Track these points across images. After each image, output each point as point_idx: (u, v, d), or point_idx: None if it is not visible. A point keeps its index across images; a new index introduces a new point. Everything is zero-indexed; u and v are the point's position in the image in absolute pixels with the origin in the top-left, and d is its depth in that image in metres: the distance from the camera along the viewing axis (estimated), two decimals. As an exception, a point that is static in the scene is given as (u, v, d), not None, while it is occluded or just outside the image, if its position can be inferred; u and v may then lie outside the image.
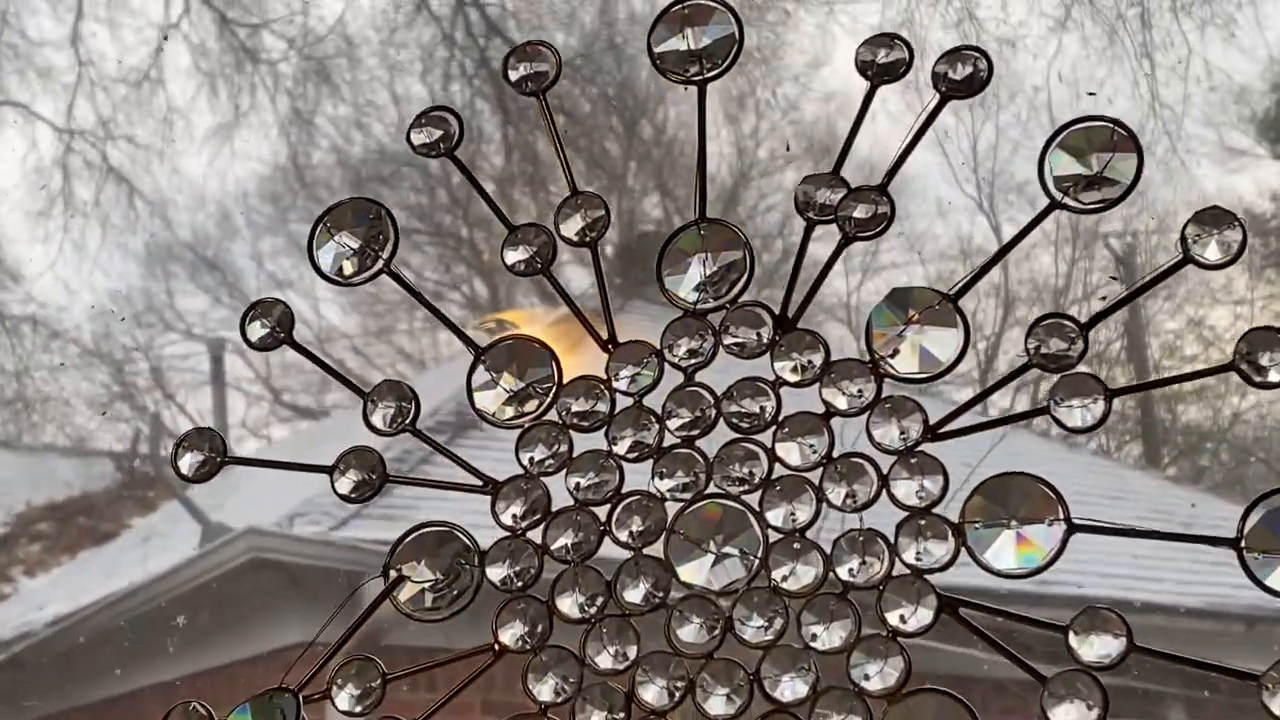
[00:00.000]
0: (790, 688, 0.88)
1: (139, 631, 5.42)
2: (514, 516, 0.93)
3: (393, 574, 0.93)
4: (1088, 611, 0.86)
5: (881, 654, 0.88)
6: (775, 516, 0.90)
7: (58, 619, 6.51)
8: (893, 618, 0.88)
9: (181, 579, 5.30)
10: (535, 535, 0.93)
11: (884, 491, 0.89)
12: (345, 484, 0.96)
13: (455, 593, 0.93)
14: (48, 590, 7.40)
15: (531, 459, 0.94)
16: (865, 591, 0.89)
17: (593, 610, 0.91)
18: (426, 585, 0.93)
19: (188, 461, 0.97)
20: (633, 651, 0.90)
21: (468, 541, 0.93)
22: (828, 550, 0.89)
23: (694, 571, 0.90)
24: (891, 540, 0.89)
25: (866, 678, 0.88)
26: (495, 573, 0.93)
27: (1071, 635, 0.86)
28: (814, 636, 0.89)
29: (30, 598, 7.58)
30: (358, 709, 0.92)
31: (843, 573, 0.89)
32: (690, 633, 0.89)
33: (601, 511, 0.93)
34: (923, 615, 0.88)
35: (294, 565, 5.06)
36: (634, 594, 0.91)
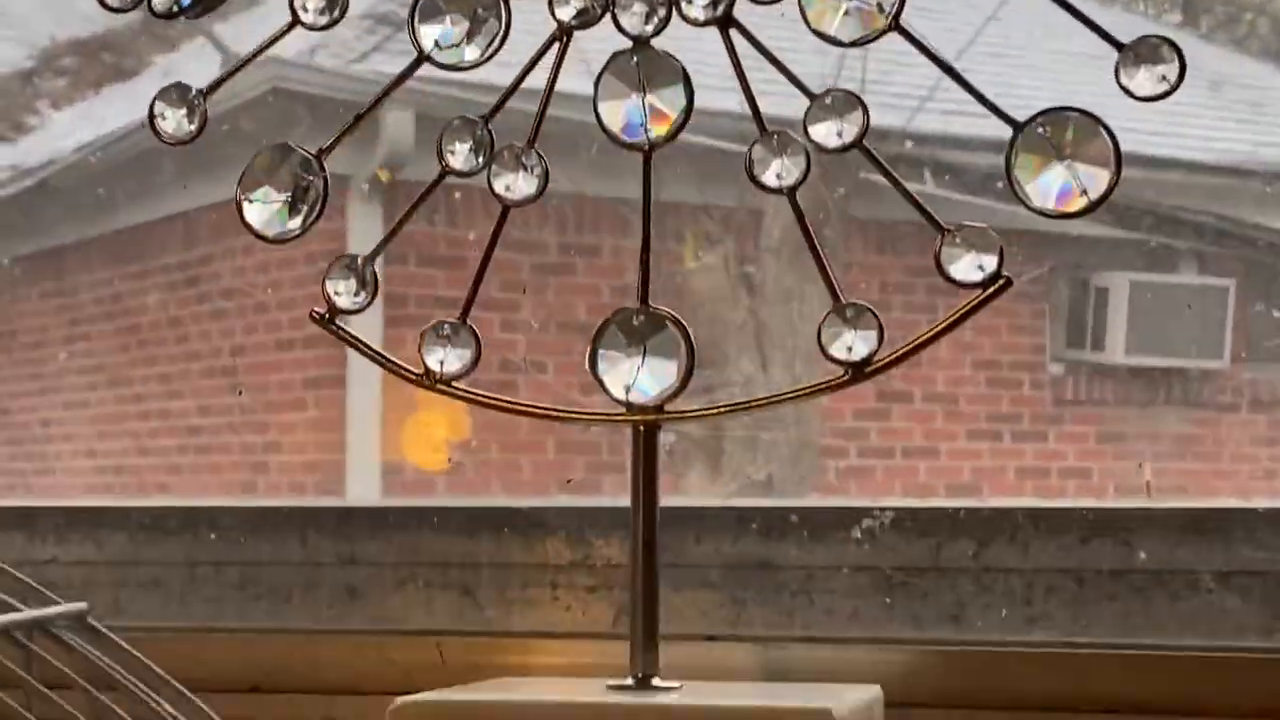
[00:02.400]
0: None
1: (157, 161, 5.30)
2: None
3: None
4: None
5: None
6: None
7: (81, 146, 6.50)
8: None
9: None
10: None
11: None
12: None
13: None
14: (73, 122, 7.35)
15: None
16: None
17: None
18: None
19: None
20: None
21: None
22: None
23: None
24: None
25: None
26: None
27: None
28: None
29: (55, 129, 7.56)
30: None
31: None
32: None
33: None
34: None
35: (314, 96, 4.91)
36: None
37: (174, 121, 0.92)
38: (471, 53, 0.90)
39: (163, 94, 0.91)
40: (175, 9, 0.89)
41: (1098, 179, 0.83)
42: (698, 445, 5.77)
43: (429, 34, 0.90)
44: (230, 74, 0.92)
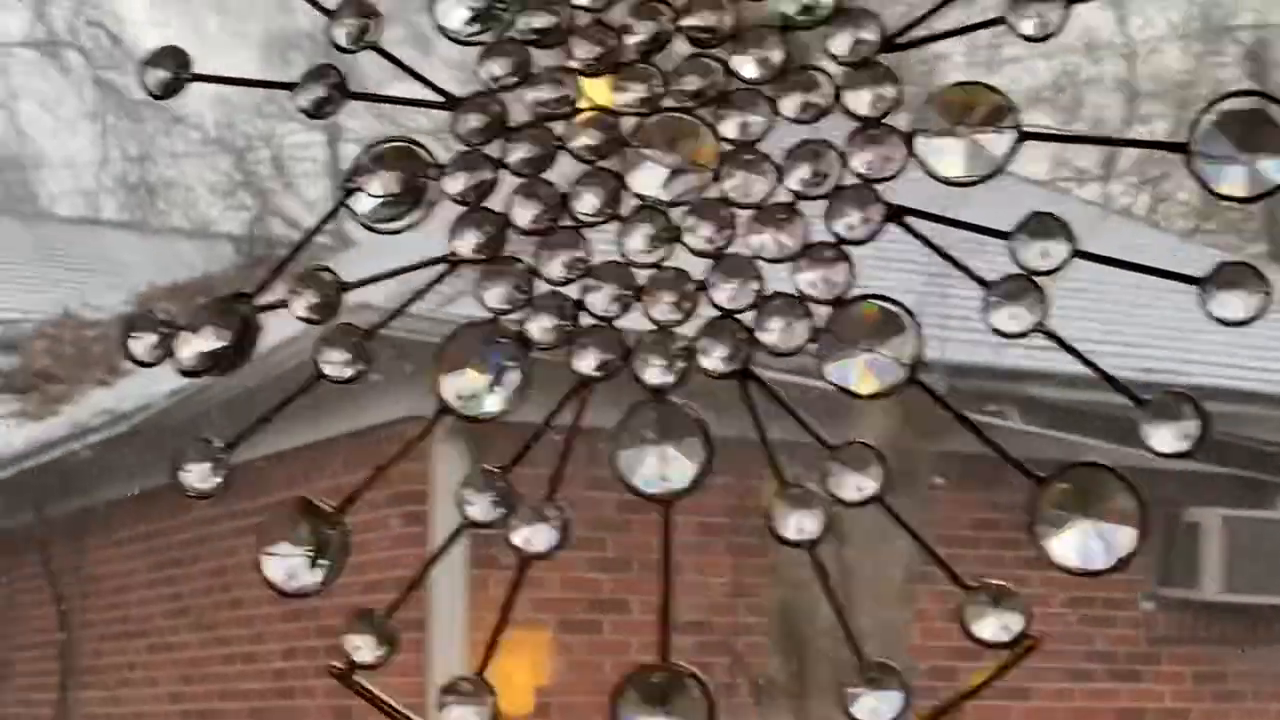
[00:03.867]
0: (735, 294, 0.88)
1: (246, 406, 5.39)
2: (472, 130, 0.93)
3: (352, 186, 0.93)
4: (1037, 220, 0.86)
5: (827, 262, 0.88)
6: (729, 128, 0.90)
7: (174, 392, 6.67)
8: (839, 227, 0.88)
9: (290, 353, 5.11)
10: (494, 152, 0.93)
11: (837, 101, 0.89)
12: (305, 99, 0.95)
13: (410, 206, 0.93)
14: (166, 367, 7.49)
15: (492, 75, 0.94)
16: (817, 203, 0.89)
17: (546, 221, 0.91)
18: (383, 199, 0.93)
19: (153, 79, 0.96)
20: (583, 260, 0.91)
21: (426, 156, 0.93)
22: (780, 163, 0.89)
23: (646, 181, 0.90)
24: (841, 150, 0.88)
25: (813, 285, 0.88)
26: (452, 185, 0.92)
27: (1018, 239, 0.87)
28: (762, 247, 0.89)
29: (150, 373, 7.71)
30: (314, 317, 0.92)
31: (793, 183, 0.89)
32: (639, 241, 0.90)
33: (559, 128, 0.93)
34: (870, 221, 0.88)
35: (403, 340, 4.94)
36: (586, 205, 0.91)
37: (198, 474, 0.92)
38: (492, 403, 0.90)
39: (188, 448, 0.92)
40: (199, 369, 0.91)
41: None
42: (782, 690, 5.65)
43: (451, 387, 0.91)
44: (256, 426, 0.93)
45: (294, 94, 0.94)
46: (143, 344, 0.93)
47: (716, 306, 0.89)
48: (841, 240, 0.88)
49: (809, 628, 5.08)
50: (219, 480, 0.93)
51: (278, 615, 6.87)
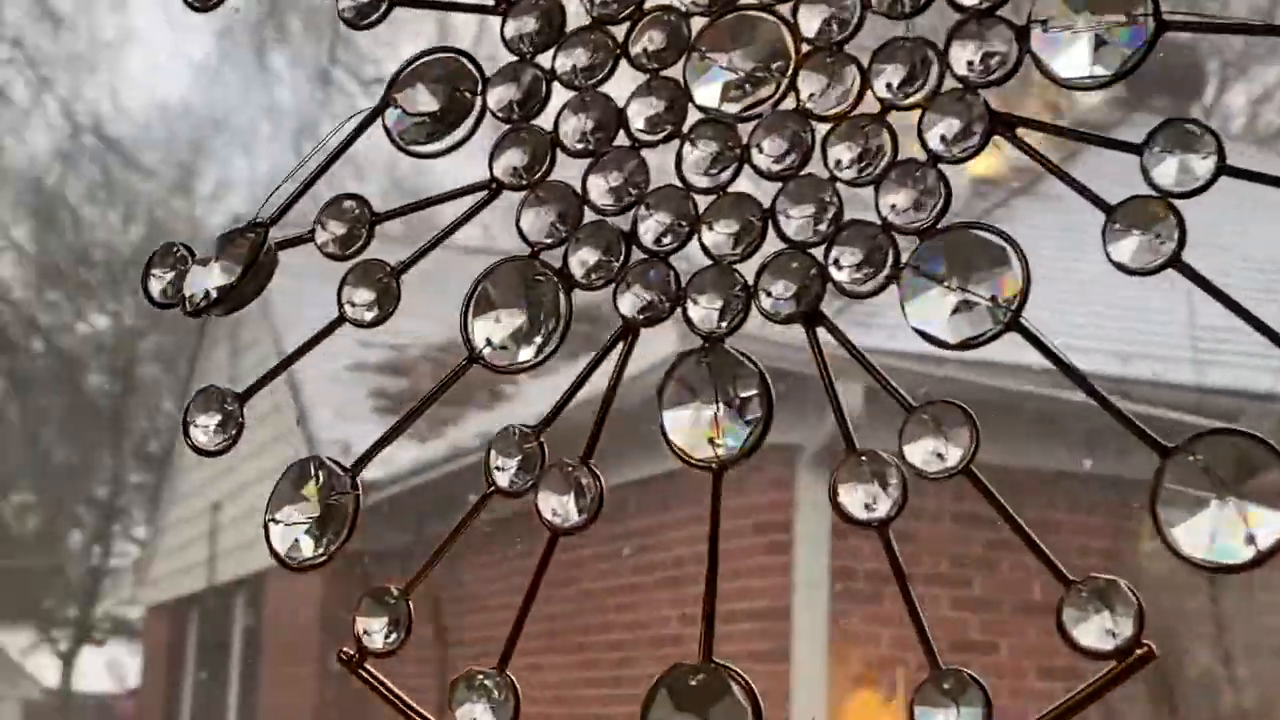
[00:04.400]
0: (805, 225, 0.73)
1: (625, 425, 5.39)
2: (523, 36, 0.80)
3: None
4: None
5: (917, 181, 0.72)
6: (809, 26, 0.75)
7: (542, 416, 6.72)
8: (933, 138, 0.72)
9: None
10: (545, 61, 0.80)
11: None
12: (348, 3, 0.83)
13: (451, 120, 0.80)
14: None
15: None
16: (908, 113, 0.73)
17: (596, 140, 0.78)
18: (422, 116, 0.80)
19: None
20: (637, 184, 0.77)
21: (470, 65, 0.81)
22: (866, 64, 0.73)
23: (711, 93, 0.76)
24: (941, 48, 0.72)
25: (894, 209, 0.72)
26: (497, 97, 0.80)
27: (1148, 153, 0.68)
28: (839, 163, 0.73)
29: (525, 395, 7.90)
30: (343, 251, 0.81)
31: (880, 87, 0.73)
32: (699, 162, 0.75)
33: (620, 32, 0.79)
34: (972, 136, 0.71)
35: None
36: (639, 117, 0.77)
37: (205, 429, 0.82)
38: (527, 353, 0.78)
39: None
40: (202, 304, 0.80)
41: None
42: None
43: (481, 333, 0.78)
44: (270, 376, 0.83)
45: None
46: (160, 284, 0.82)
47: (783, 238, 0.74)
48: (936, 158, 0.72)
49: (1178, 678, 4.75)
50: (229, 436, 0.81)
51: (645, 640, 6.87)
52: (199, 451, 0.80)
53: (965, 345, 0.69)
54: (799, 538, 6.00)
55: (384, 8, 0.83)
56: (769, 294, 0.73)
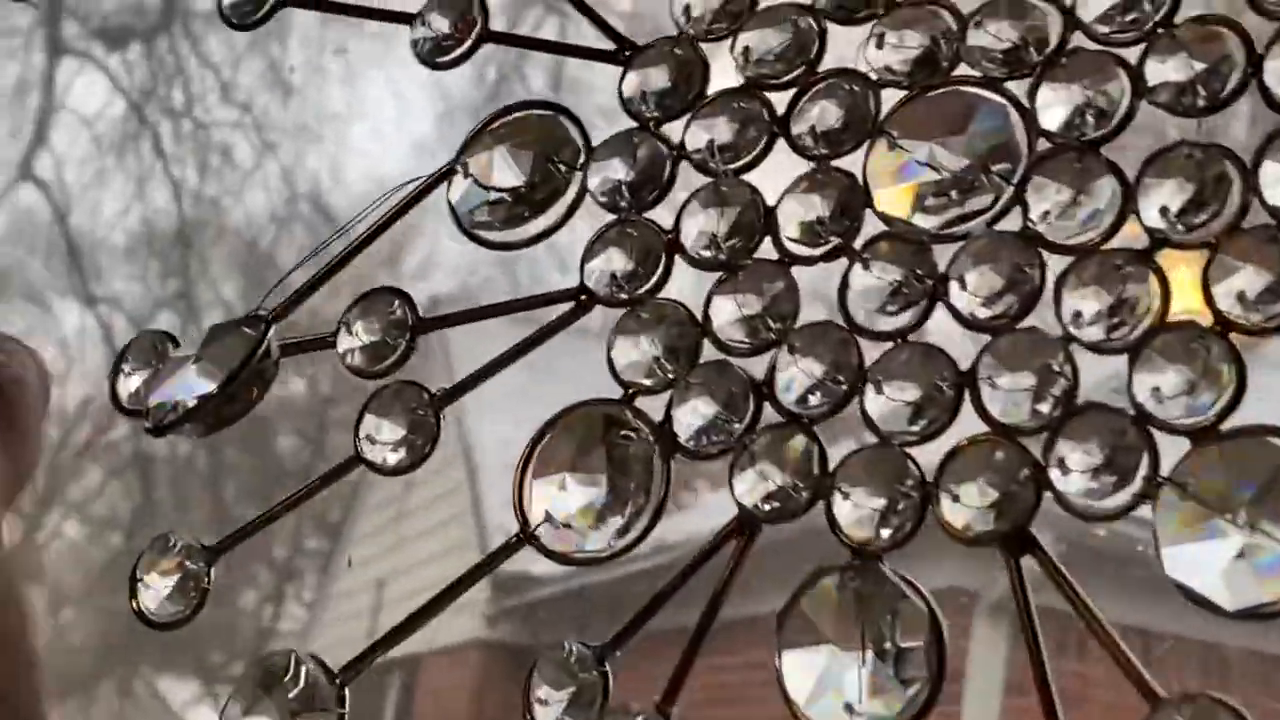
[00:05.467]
0: (1019, 401, 0.50)
1: None
2: (648, 95, 0.58)
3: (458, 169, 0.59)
4: None
5: (1193, 355, 0.47)
6: (1052, 115, 0.51)
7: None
8: (1223, 295, 0.48)
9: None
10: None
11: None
12: (439, 23, 0.62)
13: (539, 202, 0.58)
14: (723, 503, 7.63)
15: (687, 8, 0.59)
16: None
17: (731, 248, 0.55)
18: (500, 192, 0.58)
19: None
20: (781, 315, 0.54)
21: (574, 129, 0.59)
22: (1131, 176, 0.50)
23: (900, 198, 0.52)
24: (1250, 164, 0.48)
25: (1156, 393, 0.48)
26: (602, 176, 0.57)
27: None
28: (1079, 317, 0.49)
29: (708, 509, 7.72)
30: (370, 366, 0.59)
31: (1150, 213, 0.49)
32: (872, 292, 0.53)
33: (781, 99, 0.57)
34: None
35: None
36: (793, 221, 0.54)
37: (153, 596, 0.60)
38: (598, 539, 0.55)
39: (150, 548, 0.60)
40: (168, 420, 0.58)
41: None
42: None
43: (540, 499, 0.56)
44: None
45: (414, 25, 0.63)
46: (131, 384, 0.61)
47: (985, 417, 0.50)
48: (1227, 323, 0.48)
49: None
50: (192, 600, 0.59)
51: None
52: (151, 622, 0.59)
53: (1253, 615, 0.44)
54: (969, 690, 5.68)
55: (476, 42, 0.62)
56: (955, 498, 0.49)
